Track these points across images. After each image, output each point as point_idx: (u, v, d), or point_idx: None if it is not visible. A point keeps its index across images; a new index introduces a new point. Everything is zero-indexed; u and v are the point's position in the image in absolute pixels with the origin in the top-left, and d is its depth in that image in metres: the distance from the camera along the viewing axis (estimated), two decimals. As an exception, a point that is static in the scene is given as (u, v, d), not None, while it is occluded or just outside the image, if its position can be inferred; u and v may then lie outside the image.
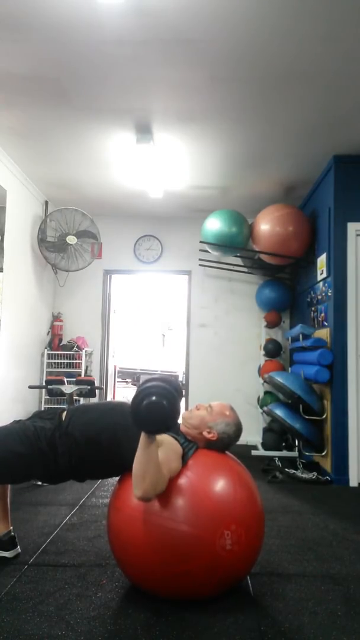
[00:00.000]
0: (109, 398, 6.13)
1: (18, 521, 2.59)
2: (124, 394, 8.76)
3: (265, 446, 4.67)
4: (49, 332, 5.47)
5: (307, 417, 3.94)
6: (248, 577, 2.02)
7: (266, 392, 5.02)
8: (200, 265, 5.45)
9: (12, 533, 2.19)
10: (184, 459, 1.84)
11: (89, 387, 3.55)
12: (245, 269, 5.33)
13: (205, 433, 1.95)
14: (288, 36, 2.50)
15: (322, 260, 4.12)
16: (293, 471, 3.84)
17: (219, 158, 4.05)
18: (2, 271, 4.19)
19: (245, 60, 2.71)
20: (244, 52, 2.64)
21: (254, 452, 4.52)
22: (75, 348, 5.34)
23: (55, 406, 5.09)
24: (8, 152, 4.05)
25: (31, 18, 2.41)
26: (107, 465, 1.99)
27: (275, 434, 4.67)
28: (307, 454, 4.16)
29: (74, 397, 3.55)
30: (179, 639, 1.59)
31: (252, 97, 3.10)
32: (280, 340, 5.26)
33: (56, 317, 5.55)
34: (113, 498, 1.96)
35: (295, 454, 4.41)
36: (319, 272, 4.22)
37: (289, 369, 4.85)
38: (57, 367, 5.31)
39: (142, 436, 1.64)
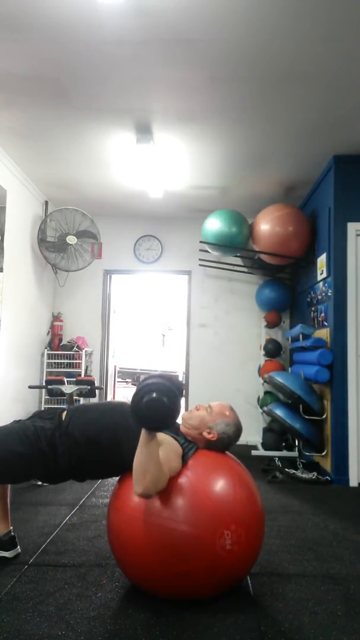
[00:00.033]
0: (109, 398, 6.13)
1: (18, 521, 2.59)
2: (124, 394, 8.75)
3: (265, 446, 4.67)
4: (49, 332, 5.47)
5: (307, 417, 3.94)
6: (248, 577, 2.02)
7: (266, 392, 5.02)
8: (200, 265, 5.45)
9: (12, 533, 2.19)
10: (184, 459, 1.84)
11: (89, 387, 3.55)
12: (245, 269, 5.33)
13: (205, 433, 1.95)
14: (288, 36, 2.50)
15: (322, 260, 4.12)
16: (293, 471, 3.84)
17: (219, 158, 4.05)
18: (2, 271, 4.19)
19: (245, 60, 2.71)
20: (244, 52, 2.64)
21: (254, 452, 4.52)
22: (75, 348, 5.34)
23: (55, 406, 5.09)
24: (8, 152, 4.05)
25: (31, 18, 2.41)
26: (107, 465, 1.99)
27: (275, 434, 4.67)
28: (307, 454, 4.16)
29: (74, 397, 3.55)
30: (179, 639, 1.59)
31: (252, 97, 3.10)
32: (280, 340, 5.26)
33: (56, 317, 5.55)
34: (113, 498, 1.96)
35: (295, 454, 4.41)
36: (319, 272, 4.22)
37: (289, 369, 4.85)
38: (57, 367, 5.31)
39: (143, 433, 1.64)
